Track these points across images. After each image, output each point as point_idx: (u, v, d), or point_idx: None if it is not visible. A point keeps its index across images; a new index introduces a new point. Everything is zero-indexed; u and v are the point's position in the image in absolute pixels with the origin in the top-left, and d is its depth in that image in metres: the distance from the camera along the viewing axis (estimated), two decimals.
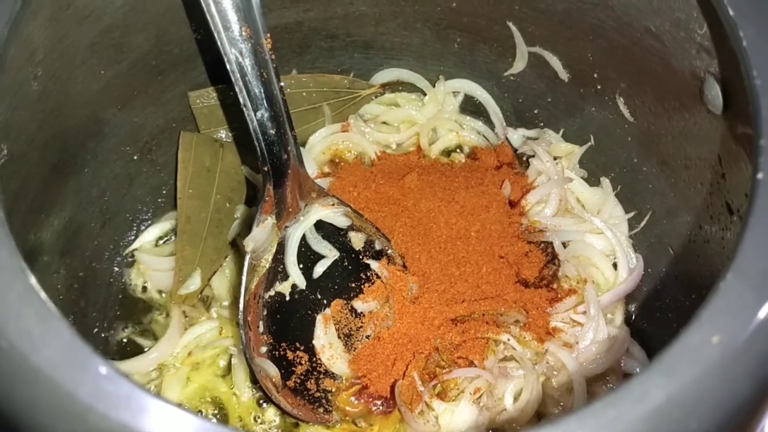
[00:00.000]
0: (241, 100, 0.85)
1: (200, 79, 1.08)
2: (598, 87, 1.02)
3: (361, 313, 0.99)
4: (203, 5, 0.81)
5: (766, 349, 0.48)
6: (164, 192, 1.13)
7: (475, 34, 1.09)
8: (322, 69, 1.15)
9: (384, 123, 1.18)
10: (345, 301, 0.99)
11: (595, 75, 1.01)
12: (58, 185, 0.94)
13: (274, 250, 0.95)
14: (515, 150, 1.15)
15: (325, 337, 0.96)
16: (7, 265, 0.48)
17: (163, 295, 1.06)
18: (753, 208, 0.52)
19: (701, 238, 0.91)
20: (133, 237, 1.10)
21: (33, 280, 0.47)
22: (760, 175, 0.54)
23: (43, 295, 0.47)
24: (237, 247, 1.07)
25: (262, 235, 0.92)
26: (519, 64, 1.09)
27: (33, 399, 0.45)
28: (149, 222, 1.11)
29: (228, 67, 0.83)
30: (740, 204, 0.80)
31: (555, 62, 1.05)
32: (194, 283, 1.02)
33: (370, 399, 0.95)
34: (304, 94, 1.13)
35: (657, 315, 1.00)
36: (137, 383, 0.44)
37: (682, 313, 0.93)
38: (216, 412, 0.98)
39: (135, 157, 1.07)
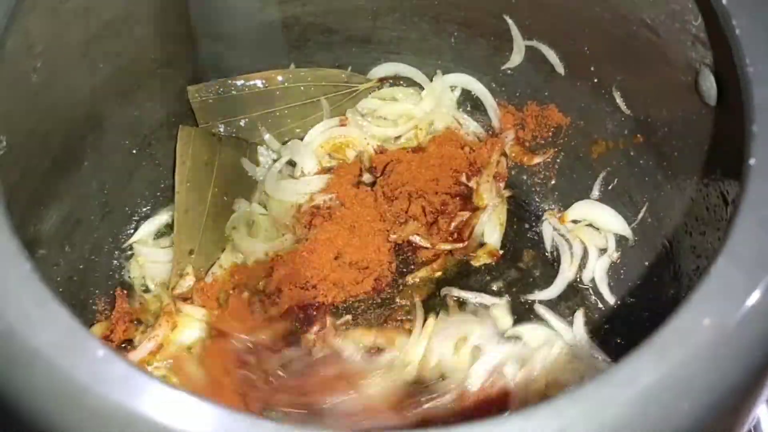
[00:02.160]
0: None
1: (199, 73, 1.09)
2: (595, 80, 1.02)
3: None
4: None
5: (757, 332, 0.49)
6: (163, 186, 1.13)
7: (473, 28, 1.09)
8: (320, 63, 1.15)
9: (382, 117, 1.19)
10: None
11: (592, 68, 1.01)
12: (57, 178, 0.94)
13: None
14: None
15: None
16: (5, 250, 0.49)
17: (162, 287, 1.06)
18: (745, 193, 0.53)
19: (697, 230, 0.91)
20: (132, 230, 1.10)
21: (31, 265, 0.48)
22: (751, 161, 0.54)
23: (41, 279, 0.47)
24: (233, 241, 1.07)
25: None
26: (516, 58, 1.09)
27: (31, 381, 0.45)
28: (148, 215, 1.12)
29: None
30: (736, 195, 0.81)
31: (552, 56, 1.05)
32: (190, 275, 1.03)
33: None
34: (302, 88, 1.14)
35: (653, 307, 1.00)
36: (134, 365, 0.45)
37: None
38: None
39: (134, 151, 1.07)
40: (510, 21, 1.05)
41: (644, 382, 0.44)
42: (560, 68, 1.06)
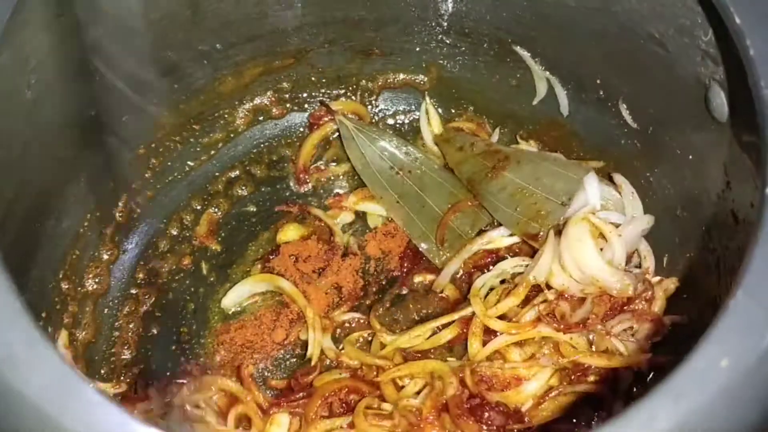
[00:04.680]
0: None
1: (197, 84, 1.07)
2: (601, 93, 1.00)
3: None
4: None
5: None
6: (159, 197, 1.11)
7: (476, 40, 1.07)
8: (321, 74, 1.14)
9: None
10: None
11: (598, 81, 0.99)
12: (54, 194, 0.93)
13: None
14: None
15: None
16: None
17: None
18: (762, 223, 0.51)
19: (706, 247, 0.89)
20: (130, 245, 1.08)
21: (22, 303, 0.46)
22: None
23: (31, 319, 0.45)
24: None
25: None
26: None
27: (19, 428, 0.43)
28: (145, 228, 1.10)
29: None
30: (746, 213, 0.79)
31: None
32: None
33: None
34: None
35: None
36: (128, 411, 0.43)
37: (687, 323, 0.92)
38: None
39: (131, 163, 1.06)
40: (515, 32, 1.03)
41: (661, 425, 0.43)
42: None
